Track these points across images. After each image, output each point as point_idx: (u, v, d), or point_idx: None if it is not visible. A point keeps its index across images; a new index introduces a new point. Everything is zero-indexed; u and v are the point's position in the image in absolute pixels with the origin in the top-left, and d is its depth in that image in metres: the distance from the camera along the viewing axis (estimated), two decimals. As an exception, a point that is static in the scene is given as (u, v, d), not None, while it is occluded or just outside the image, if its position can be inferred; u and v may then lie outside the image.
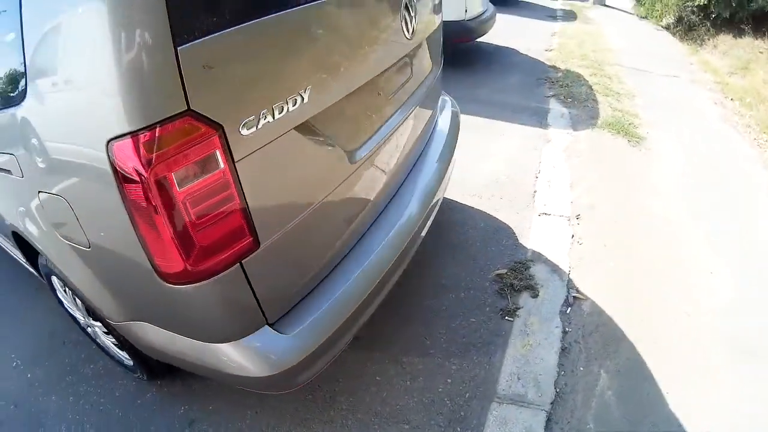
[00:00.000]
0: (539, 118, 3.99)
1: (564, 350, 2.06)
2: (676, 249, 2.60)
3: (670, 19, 7.03)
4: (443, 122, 2.44)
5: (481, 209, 2.99)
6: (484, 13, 5.11)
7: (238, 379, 1.31)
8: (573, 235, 2.71)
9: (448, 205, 3.04)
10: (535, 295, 2.32)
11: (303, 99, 1.15)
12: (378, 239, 1.63)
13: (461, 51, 5.36)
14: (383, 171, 1.71)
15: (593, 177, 3.19)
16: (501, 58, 5.52)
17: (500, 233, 2.78)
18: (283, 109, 1.10)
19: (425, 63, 2.11)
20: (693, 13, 6.43)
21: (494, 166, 3.40)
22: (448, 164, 2.21)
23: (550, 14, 8.74)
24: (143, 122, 0.89)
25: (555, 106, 4.18)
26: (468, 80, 4.78)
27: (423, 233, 1.89)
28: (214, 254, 1.07)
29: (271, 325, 1.29)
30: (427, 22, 1.95)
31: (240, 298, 1.19)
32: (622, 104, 4.26)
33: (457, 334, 2.16)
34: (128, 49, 0.85)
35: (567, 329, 2.15)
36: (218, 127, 0.97)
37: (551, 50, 5.90)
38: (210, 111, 0.95)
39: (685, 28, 6.60)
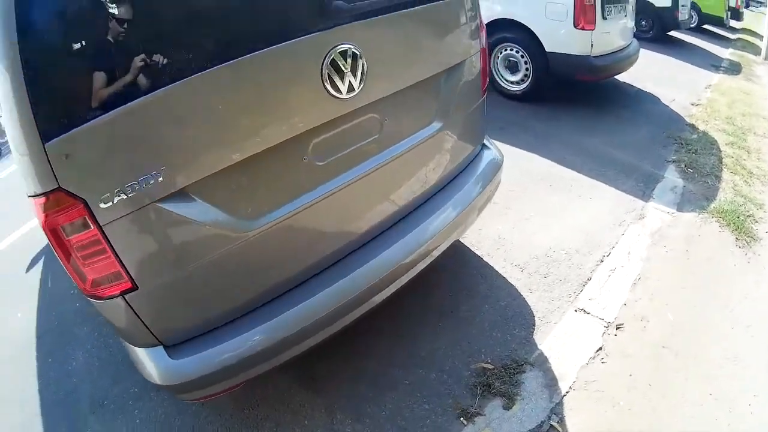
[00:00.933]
0: (645, 186, 3.36)
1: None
2: None
3: None
4: (467, 177, 2.21)
5: (514, 284, 2.68)
6: (621, 50, 4.44)
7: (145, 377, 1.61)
8: (600, 348, 2.27)
9: (481, 270, 2.79)
10: (507, 407, 2.02)
11: (158, 179, 1.30)
12: (311, 293, 1.70)
13: (587, 89, 4.75)
14: (318, 230, 1.71)
15: (667, 279, 2.60)
16: (635, 104, 4.74)
17: (518, 319, 2.46)
18: (135, 188, 1.28)
19: (413, 115, 1.91)
20: None
21: (559, 235, 2.99)
22: (452, 225, 2.03)
23: (713, 62, 7.31)
24: (38, 190, 1.23)
25: (670, 176, 3.48)
26: (583, 124, 4.22)
27: (384, 296, 1.87)
28: (100, 286, 1.39)
29: (166, 347, 1.56)
30: (404, 71, 1.76)
31: (131, 321, 1.48)
32: (750, 189, 3.38)
33: (401, 413, 2.03)
34: (18, 148, 1.21)
35: (517, 466, 1.83)
36: (82, 201, 1.24)
37: (698, 105, 4.94)
38: (74, 188, 1.23)
39: None
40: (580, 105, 4.56)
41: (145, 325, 1.49)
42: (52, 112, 1.17)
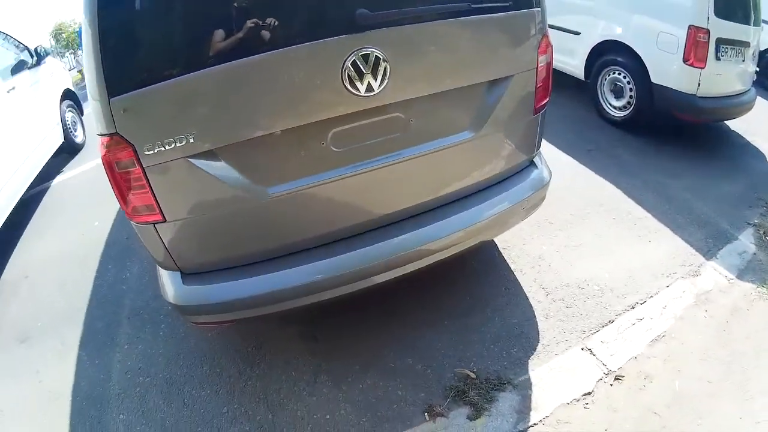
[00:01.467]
0: (713, 243, 3.13)
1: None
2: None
3: None
4: (499, 189, 2.25)
5: (533, 305, 2.72)
6: (733, 95, 4.04)
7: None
8: (589, 393, 2.25)
9: (508, 284, 2.86)
10: (472, 418, 2.11)
11: (189, 140, 1.61)
12: (312, 259, 1.93)
13: (692, 130, 4.37)
14: (329, 207, 1.91)
15: (693, 345, 2.47)
16: (738, 156, 4.26)
17: (521, 340, 2.51)
18: (172, 144, 1.60)
19: (444, 120, 2.00)
20: None
21: (601, 269, 2.93)
22: (468, 232, 2.12)
23: None
24: (102, 132, 1.59)
25: (744, 239, 3.18)
26: (673, 164, 3.94)
27: (383, 278, 2.03)
28: (138, 213, 1.74)
29: (182, 273, 1.91)
30: (434, 78, 1.87)
31: (158, 245, 1.82)
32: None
33: (376, 391, 2.22)
34: (92, 95, 1.57)
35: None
36: (131, 146, 1.58)
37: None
38: (127, 135, 1.57)
39: None
40: (677, 144, 4.23)
41: (168, 251, 1.83)
42: (118, 76, 1.51)
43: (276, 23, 1.58)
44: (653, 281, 2.84)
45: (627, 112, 4.25)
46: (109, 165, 1.64)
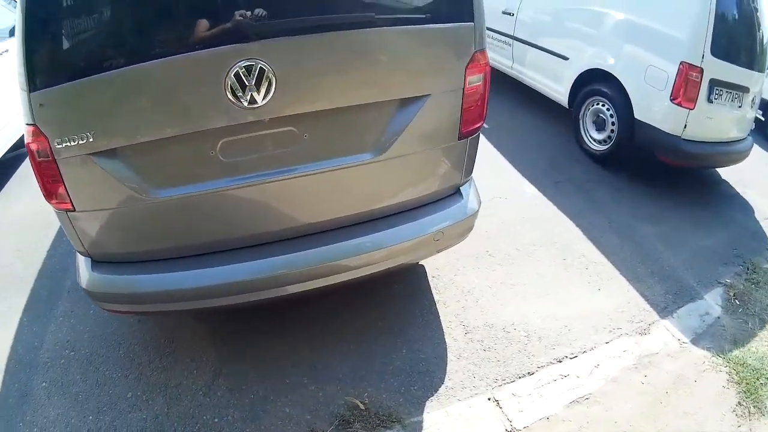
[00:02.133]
0: (672, 299, 2.75)
1: None
2: None
3: None
4: (408, 218, 2.07)
5: (448, 342, 2.43)
6: (727, 143, 3.69)
7: None
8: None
9: (426, 314, 2.58)
10: None
11: (89, 139, 1.66)
12: (201, 265, 1.92)
13: (678, 173, 3.95)
14: (221, 215, 1.90)
15: (619, 415, 2.10)
16: (722, 207, 3.83)
17: (424, 378, 2.24)
18: (75, 141, 1.66)
19: (344, 139, 1.88)
20: None
21: (533, 314, 2.61)
22: (367, 258, 2.01)
23: None
24: (26, 121, 1.66)
25: (710, 299, 2.79)
26: (648, 208, 3.55)
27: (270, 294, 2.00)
28: (53, 199, 1.80)
29: (93, 260, 1.96)
30: (330, 93, 1.78)
31: (70, 231, 1.90)
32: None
33: (265, 404, 2.15)
34: (19, 86, 1.64)
35: None
36: (46, 138, 1.65)
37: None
38: (43, 127, 1.65)
39: None
40: (658, 187, 3.83)
41: (78, 238, 1.90)
42: (37, 73, 1.62)
43: (169, 31, 1.67)
44: (591, 335, 2.50)
45: (607, 146, 3.91)
46: (30, 152, 1.73)
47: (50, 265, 3.11)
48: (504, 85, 5.37)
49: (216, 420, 2.10)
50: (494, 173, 3.87)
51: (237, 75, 1.61)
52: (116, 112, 1.70)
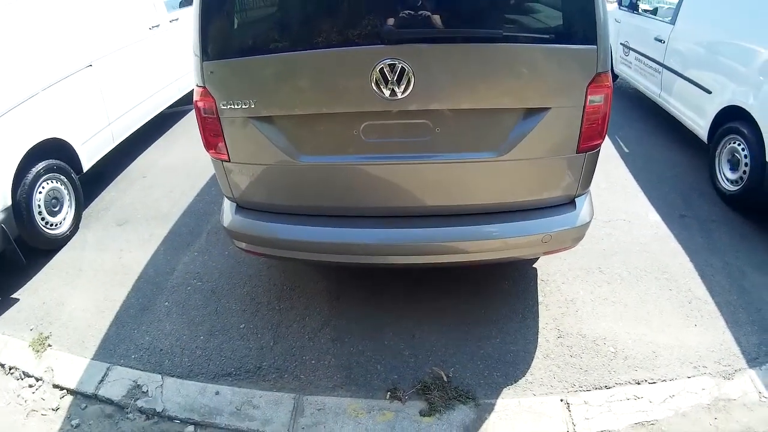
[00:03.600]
0: (764, 353, 2.72)
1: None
2: None
3: None
4: (521, 218, 2.33)
5: (540, 342, 2.75)
6: None
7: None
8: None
9: (527, 313, 2.90)
10: (423, 414, 2.33)
11: (251, 105, 2.08)
12: (332, 227, 2.31)
13: None
14: (353, 186, 2.26)
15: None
16: None
17: (508, 369, 2.57)
18: (238, 105, 2.09)
19: (470, 136, 2.16)
20: None
21: (626, 333, 2.80)
22: (474, 246, 2.30)
23: None
24: (197, 83, 2.15)
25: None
26: (766, 258, 3.53)
27: (383, 261, 2.42)
28: (212, 149, 2.28)
29: (238, 205, 2.45)
30: (462, 96, 2.07)
31: (223, 178, 2.38)
32: None
33: (359, 357, 2.52)
34: (193, 52, 2.12)
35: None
36: (213, 98, 2.11)
37: None
38: (211, 90, 2.11)
39: None
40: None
41: (229, 185, 2.36)
42: (210, 46, 2.05)
43: (329, 26, 1.98)
44: (676, 366, 2.68)
45: (738, 187, 3.85)
46: (198, 109, 2.18)
47: (195, 208, 3.67)
48: (650, 113, 5.43)
49: (313, 362, 2.49)
50: (624, 196, 4.06)
51: (382, 70, 1.93)
52: (277, 87, 2.08)
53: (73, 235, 3.60)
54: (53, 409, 2.39)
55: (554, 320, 2.87)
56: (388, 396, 2.32)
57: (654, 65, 5.04)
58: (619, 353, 2.70)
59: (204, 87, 2.11)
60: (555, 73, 2.05)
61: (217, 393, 2.34)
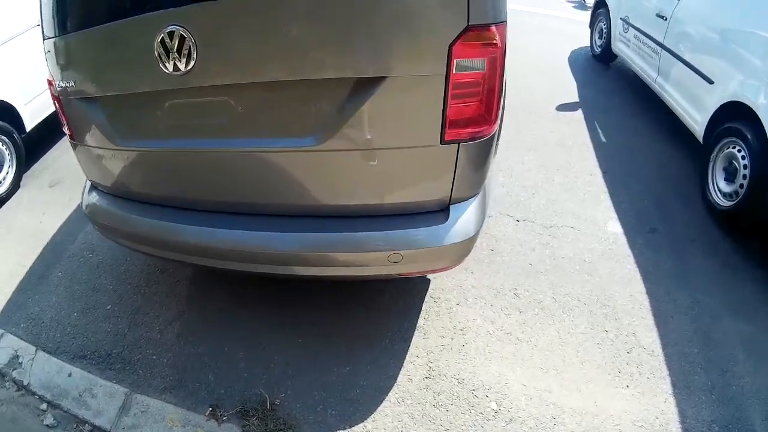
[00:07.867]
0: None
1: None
2: None
3: None
4: (363, 224, 1.80)
5: (399, 380, 2.14)
6: None
7: None
8: None
9: (395, 342, 2.31)
10: None
11: (71, 85, 1.95)
12: (149, 213, 2.04)
13: None
14: (169, 177, 2.00)
15: None
16: None
17: (347, 406, 2.04)
18: (63, 84, 1.97)
19: (284, 118, 1.70)
20: None
21: (522, 386, 2.15)
22: (300, 258, 1.84)
23: None
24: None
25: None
26: (748, 299, 2.55)
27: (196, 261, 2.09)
28: (63, 127, 2.19)
29: (91, 185, 2.34)
30: (264, 64, 1.61)
31: (76, 157, 2.32)
32: None
33: (195, 361, 2.25)
34: None
35: None
36: (52, 78, 2.06)
37: None
38: (49, 69, 2.06)
39: None
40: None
41: (80, 164, 2.25)
42: (43, 25, 2.01)
43: None
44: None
45: (732, 202, 2.99)
46: (48, 84, 2.12)
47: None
48: (646, 99, 4.55)
49: (154, 357, 2.29)
50: (582, 196, 3.29)
51: (162, 41, 1.60)
52: (83, 67, 1.96)
53: (12, 196, 3.64)
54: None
55: (429, 353, 2.20)
56: (208, 413, 2.02)
57: (653, 45, 4.14)
58: (502, 412, 2.01)
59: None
60: (394, 24, 1.48)
61: (69, 375, 2.26)
